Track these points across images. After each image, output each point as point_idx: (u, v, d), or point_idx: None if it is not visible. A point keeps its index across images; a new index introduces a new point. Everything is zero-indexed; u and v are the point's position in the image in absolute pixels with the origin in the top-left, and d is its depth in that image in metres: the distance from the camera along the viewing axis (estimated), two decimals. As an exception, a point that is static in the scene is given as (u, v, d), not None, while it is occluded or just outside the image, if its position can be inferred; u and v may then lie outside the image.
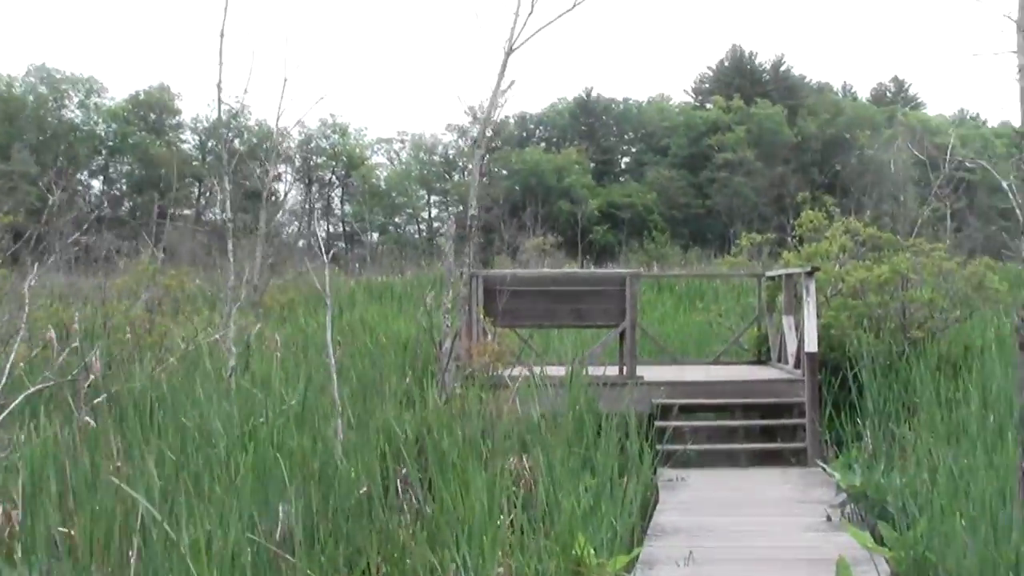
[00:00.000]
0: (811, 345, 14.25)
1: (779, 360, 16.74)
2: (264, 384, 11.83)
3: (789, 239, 19.37)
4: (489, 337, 13.56)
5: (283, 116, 15.20)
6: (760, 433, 14.91)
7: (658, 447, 13.57)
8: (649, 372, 15.66)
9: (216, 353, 14.37)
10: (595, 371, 14.27)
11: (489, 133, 12.46)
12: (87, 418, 8.45)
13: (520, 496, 10.25)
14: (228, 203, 12.50)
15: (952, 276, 16.51)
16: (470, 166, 77.97)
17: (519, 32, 12.49)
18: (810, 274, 15.03)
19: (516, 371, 13.88)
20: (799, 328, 15.43)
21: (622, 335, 15.45)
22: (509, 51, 12.43)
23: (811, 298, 14.68)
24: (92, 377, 9.95)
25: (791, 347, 15.89)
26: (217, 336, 13.11)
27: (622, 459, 12.33)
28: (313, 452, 9.29)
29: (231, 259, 12.51)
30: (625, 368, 15.28)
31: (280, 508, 8.23)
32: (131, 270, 19.60)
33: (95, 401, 10.39)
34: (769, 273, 18.09)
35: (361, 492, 9.00)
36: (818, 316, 14.93)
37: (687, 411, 15.08)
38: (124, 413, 10.21)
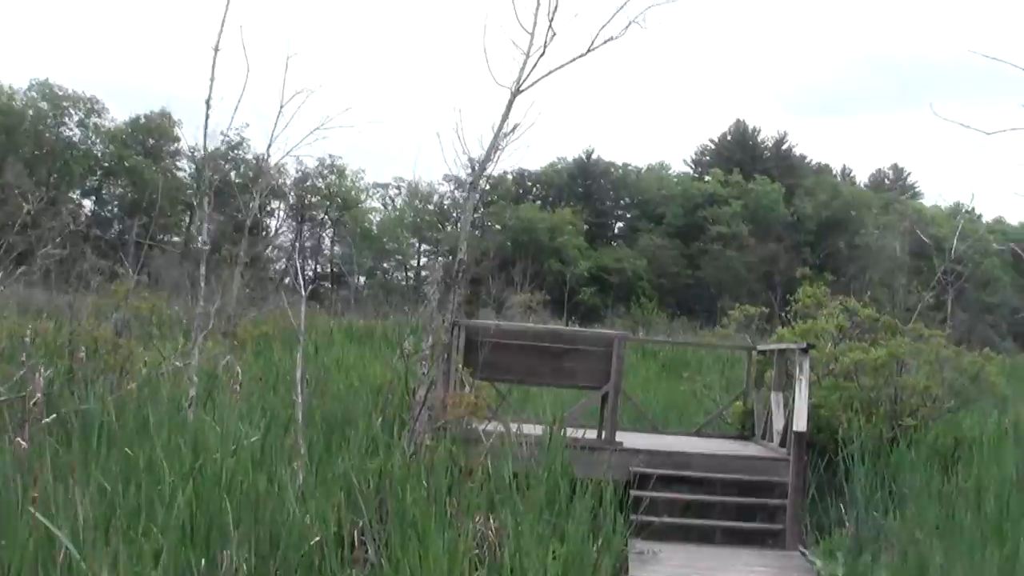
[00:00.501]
0: (800, 424, 13.60)
1: (763, 437, 16.11)
2: (225, 418, 11.17)
3: (782, 315, 18.76)
4: (467, 389, 12.90)
5: (277, 145, 14.52)
6: (738, 511, 14.22)
7: (632, 517, 12.94)
8: (628, 439, 15.01)
9: (181, 382, 13.74)
10: (573, 433, 13.62)
11: (485, 181, 11.85)
12: (20, 440, 7.74)
13: (484, 560, 9.61)
14: (205, 225, 11.91)
15: (949, 364, 15.92)
16: (464, 215, 77.29)
17: (528, 73, 11.90)
18: (805, 351, 14.41)
19: (491, 426, 13.26)
20: (788, 406, 14.82)
21: (604, 398, 14.80)
22: (516, 92, 11.82)
23: (804, 376, 14.06)
24: (37, 395, 9.24)
25: (777, 424, 15.26)
26: (179, 364, 12.45)
27: (594, 527, 11.70)
28: (267, 495, 8.63)
29: (202, 284, 11.87)
30: (604, 432, 14.63)
31: (223, 552, 7.58)
32: (104, 290, 18.95)
33: (43, 421, 9.73)
34: (761, 347, 17.48)
35: (313, 542, 8.34)
36: (808, 395, 14.29)
37: (665, 482, 14.43)
38: (70, 436, 9.56)
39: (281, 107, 13.92)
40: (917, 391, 15.36)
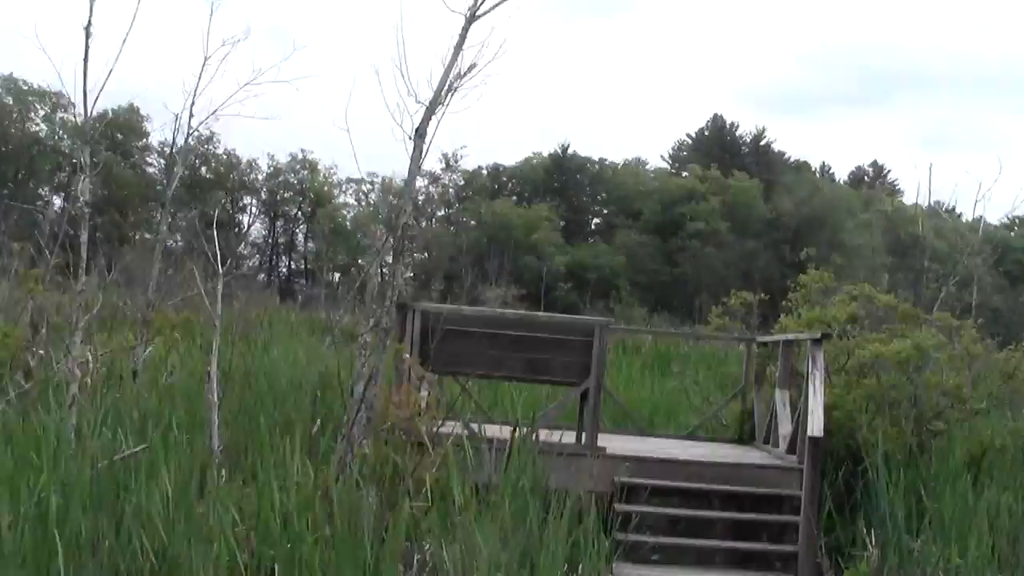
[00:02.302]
0: (816, 428, 11.25)
1: (765, 442, 13.82)
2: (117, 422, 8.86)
3: (784, 302, 16.41)
4: (423, 386, 10.47)
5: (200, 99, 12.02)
6: (741, 529, 11.93)
7: (617, 536, 10.69)
8: (612, 443, 12.71)
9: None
10: (548, 436, 11.32)
11: (435, 125, 9.32)
12: None
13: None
14: (86, 184, 9.55)
15: (979, 362, 13.66)
16: (439, 213, 75.16)
17: (485, -3, 9.52)
18: (818, 342, 12.13)
19: (450, 429, 10.98)
20: (796, 406, 12.53)
21: (584, 396, 12.43)
22: (471, 18, 9.49)
23: (819, 371, 11.77)
24: None
25: (783, 428, 12.97)
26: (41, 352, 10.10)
27: (572, 551, 9.45)
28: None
29: (84, 256, 9.51)
30: (584, 436, 12.27)
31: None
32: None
33: None
34: (762, 338, 15.16)
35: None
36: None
37: (655, 494, 12.14)
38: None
39: (205, 59, 11.57)
40: (945, 391, 13.04)
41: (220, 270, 10.27)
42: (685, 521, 11.83)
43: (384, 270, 9.58)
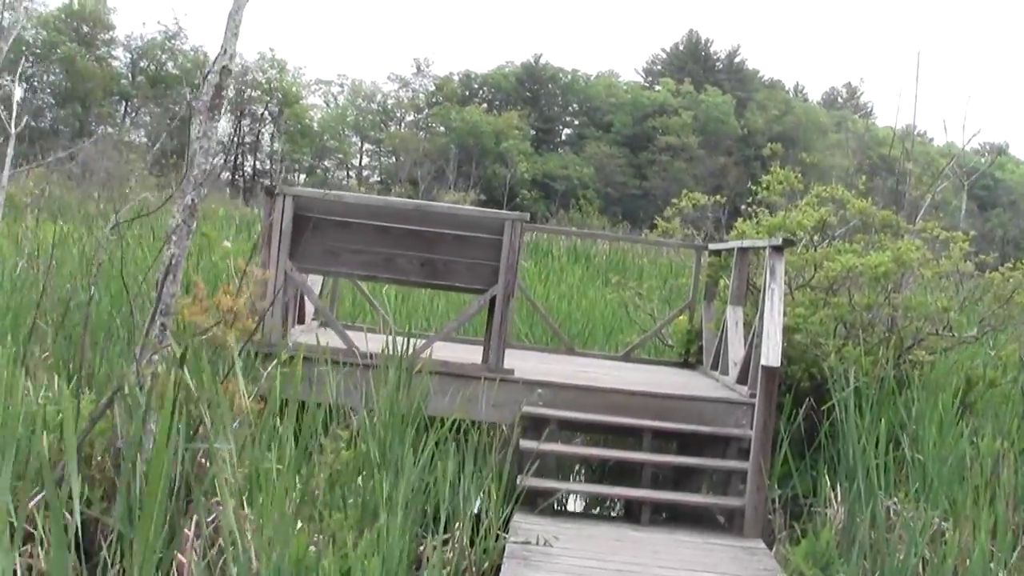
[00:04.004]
0: (772, 356, 8.69)
1: (714, 367, 11.32)
2: None
3: (745, 206, 13.83)
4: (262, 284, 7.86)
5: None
6: (677, 477, 9.49)
7: (518, 482, 8.23)
8: (525, 364, 10.19)
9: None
10: (442, 353, 8.80)
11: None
12: None
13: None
14: None
15: (969, 281, 11.21)
16: (408, 118, 72.44)
17: None
18: (779, 250, 9.57)
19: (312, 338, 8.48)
20: (751, 327, 10.01)
21: (492, 305, 9.84)
22: None
23: (778, 285, 9.22)
24: None
25: (734, 352, 10.47)
26: None
27: (450, 496, 7.08)
28: None
29: None
30: (490, 355, 9.70)
31: None
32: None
33: None
34: (714, 246, 12.59)
35: None
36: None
37: (570, 430, 9.66)
38: None
39: None
40: (929, 315, 10.57)
41: (12, 129, 7.69)
42: (607, 464, 9.37)
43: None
